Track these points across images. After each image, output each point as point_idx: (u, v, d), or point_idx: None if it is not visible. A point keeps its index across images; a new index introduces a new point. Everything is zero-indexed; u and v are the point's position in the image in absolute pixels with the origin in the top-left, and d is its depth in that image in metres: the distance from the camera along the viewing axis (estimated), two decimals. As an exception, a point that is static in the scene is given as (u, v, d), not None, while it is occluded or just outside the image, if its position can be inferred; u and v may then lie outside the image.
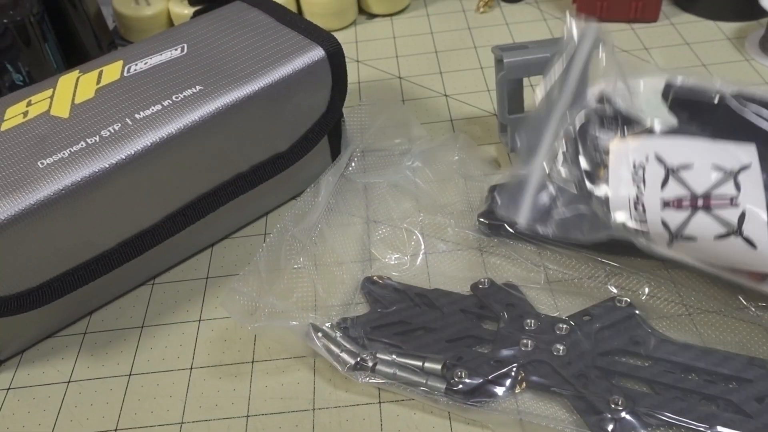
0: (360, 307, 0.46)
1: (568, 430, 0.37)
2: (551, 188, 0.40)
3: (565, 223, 0.41)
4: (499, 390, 0.40)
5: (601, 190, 0.38)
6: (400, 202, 0.53)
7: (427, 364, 0.41)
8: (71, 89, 0.47)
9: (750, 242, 0.34)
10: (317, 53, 0.49)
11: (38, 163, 0.41)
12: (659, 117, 0.37)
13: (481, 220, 0.49)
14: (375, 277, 0.47)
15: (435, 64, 0.68)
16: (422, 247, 0.49)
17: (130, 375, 0.44)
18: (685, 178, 0.35)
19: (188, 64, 0.49)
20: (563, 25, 0.43)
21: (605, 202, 0.37)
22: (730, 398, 0.37)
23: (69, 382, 0.44)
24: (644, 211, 0.36)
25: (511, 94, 0.54)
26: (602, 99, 0.39)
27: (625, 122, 0.38)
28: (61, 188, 0.40)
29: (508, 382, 0.40)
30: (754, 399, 0.37)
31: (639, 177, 0.36)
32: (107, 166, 0.42)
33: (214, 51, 0.50)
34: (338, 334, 0.43)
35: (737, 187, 0.34)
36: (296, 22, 0.52)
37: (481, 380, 0.40)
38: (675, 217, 0.35)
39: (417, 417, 0.40)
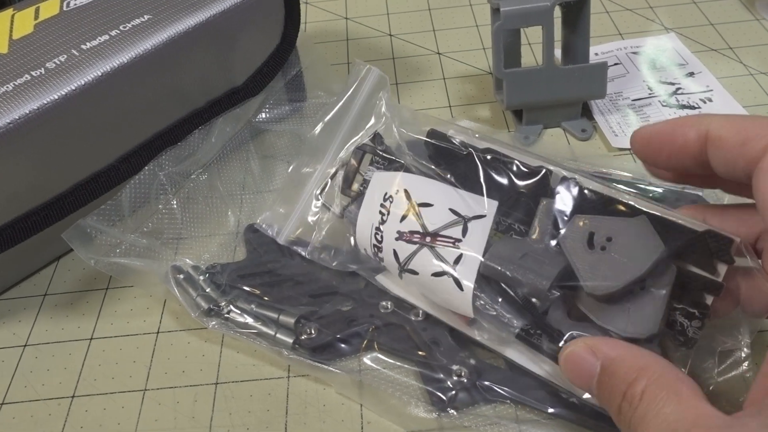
0: (239, 256, 0.44)
1: (405, 397, 0.36)
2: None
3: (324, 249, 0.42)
4: (346, 349, 0.38)
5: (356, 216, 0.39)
6: (297, 152, 0.49)
7: (282, 317, 0.39)
8: (7, 26, 0.44)
9: (458, 284, 0.35)
10: None
11: None
12: (418, 160, 0.39)
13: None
14: (256, 226, 0.45)
15: (428, 22, 0.65)
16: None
17: (91, 339, 0.41)
18: (424, 215, 0.37)
19: None
20: (351, 68, 0.46)
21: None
22: None
23: (25, 345, 0.41)
24: (381, 239, 0.37)
25: (508, 47, 0.50)
26: (375, 138, 0.41)
27: (389, 160, 0.40)
28: (8, 122, 0.37)
29: (356, 342, 0.38)
30: None
31: (386, 207, 0.38)
32: (56, 97, 0.38)
33: None
34: (201, 278, 0.41)
35: (464, 232, 0.35)
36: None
37: (329, 338, 0.38)
38: (404, 249, 0.36)
39: (256, 369, 0.38)
